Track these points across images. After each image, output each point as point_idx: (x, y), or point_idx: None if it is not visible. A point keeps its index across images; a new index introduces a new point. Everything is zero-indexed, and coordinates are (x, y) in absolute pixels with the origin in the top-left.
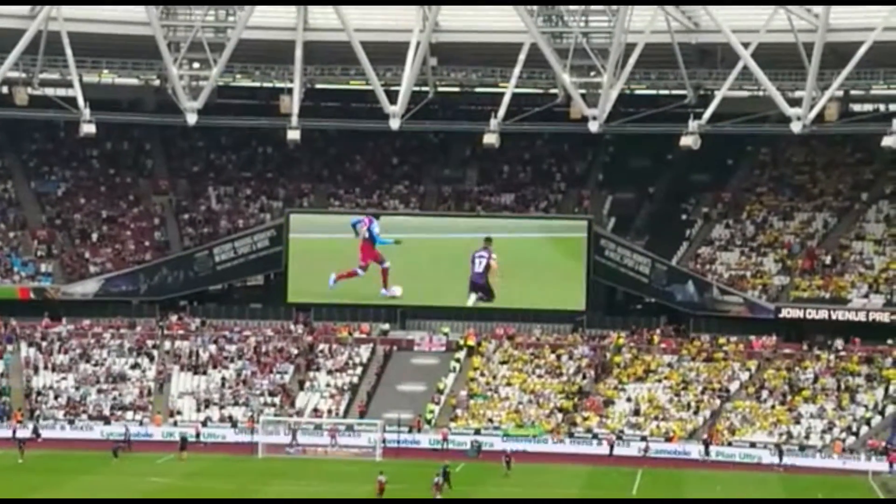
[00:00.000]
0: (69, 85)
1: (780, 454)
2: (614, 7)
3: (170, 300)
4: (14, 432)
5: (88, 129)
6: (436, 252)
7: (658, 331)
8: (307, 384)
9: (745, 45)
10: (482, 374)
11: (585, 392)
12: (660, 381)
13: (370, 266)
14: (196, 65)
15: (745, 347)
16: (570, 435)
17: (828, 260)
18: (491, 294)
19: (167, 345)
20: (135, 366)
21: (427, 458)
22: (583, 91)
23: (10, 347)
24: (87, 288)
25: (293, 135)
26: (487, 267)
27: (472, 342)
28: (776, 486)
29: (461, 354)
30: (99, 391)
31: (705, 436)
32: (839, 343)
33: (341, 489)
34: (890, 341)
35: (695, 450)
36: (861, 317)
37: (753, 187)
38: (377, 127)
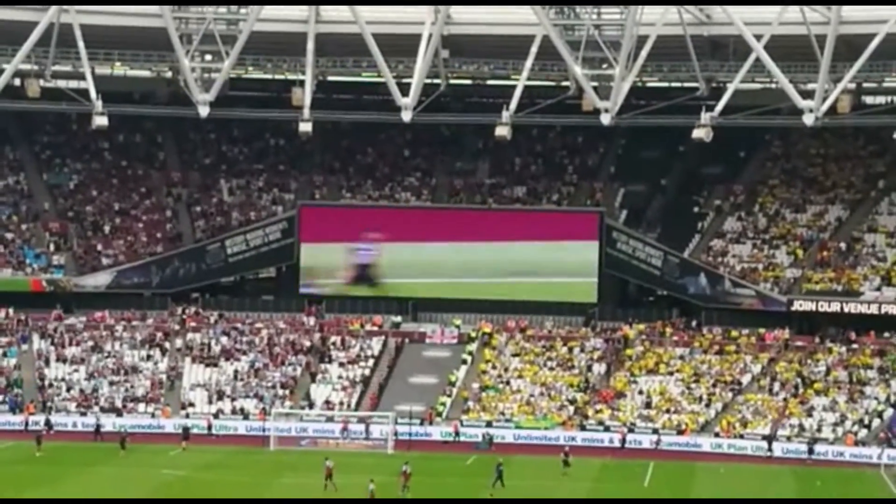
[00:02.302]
0: (81, 77)
1: (811, 448)
2: None
3: (182, 292)
4: (27, 424)
5: (101, 121)
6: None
7: (670, 323)
8: (319, 376)
9: (758, 38)
10: (494, 367)
11: (597, 385)
12: (672, 373)
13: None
14: (208, 57)
15: (757, 340)
16: (582, 427)
17: (841, 251)
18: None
19: (179, 337)
20: (147, 358)
21: (439, 450)
22: (595, 83)
23: (24, 346)
24: (99, 280)
25: (305, 127)
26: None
27: (487, 329)
28: (788, 478)
29: (473, 347)
30: (111, 383)
31: (768, 432)
32: (851, 336)
33: (353, 481)
34: None
35: (707, 442)
36: (873, 309)
37: (766, 180)
38: (389, 119)
